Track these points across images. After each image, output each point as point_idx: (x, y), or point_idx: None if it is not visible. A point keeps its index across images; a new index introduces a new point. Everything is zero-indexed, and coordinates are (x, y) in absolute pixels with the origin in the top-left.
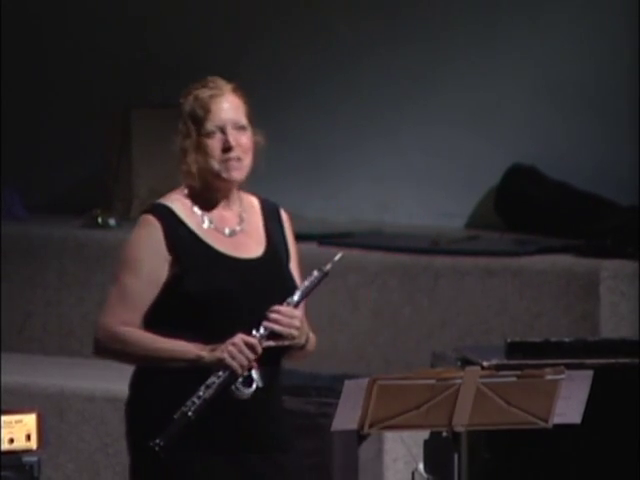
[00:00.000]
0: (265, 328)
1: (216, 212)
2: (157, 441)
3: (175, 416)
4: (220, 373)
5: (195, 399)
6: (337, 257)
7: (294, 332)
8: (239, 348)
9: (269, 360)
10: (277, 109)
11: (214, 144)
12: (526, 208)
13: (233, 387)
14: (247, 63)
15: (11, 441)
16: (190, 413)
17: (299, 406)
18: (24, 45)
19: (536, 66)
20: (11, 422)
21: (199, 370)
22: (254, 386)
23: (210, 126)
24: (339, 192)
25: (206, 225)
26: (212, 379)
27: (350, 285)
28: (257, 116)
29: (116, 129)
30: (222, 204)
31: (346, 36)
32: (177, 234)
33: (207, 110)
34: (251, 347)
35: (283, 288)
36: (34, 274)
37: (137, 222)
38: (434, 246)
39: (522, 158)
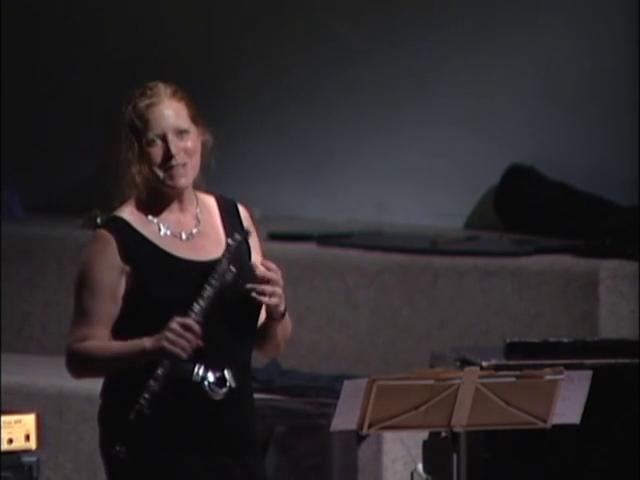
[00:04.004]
0: (200, 305)
1: (172, 217)
2: (118, 448)
3: (130, 416)
4: (165, 362)
5: (146, 395)
6: (257, 214)
7: (278, 291)
8: (176, 332)
9: (240, 359)
10: (277, 109)
11: (156, 152)
12: (525, 208)
13: (207, 387)
14: (247, 63)
15: (10, 441)
16: (145, 410)
17: (299, 406)
18: (24, 45)
19: (536, 66)
20: (10, 422)
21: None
22: (227, 386)
23: (150, 135)
24: (338, 192)
25: (162, 232)
26: (159, 370)
27: (349, 285)
28: (257, 116)
29: (116, 129)
30: (176, 208)
31: (346, 36)
32: (134, 245)
33: (145, 120)
34: (188, 328)
35: (244, 287)
36: (33, 274)
37: (91, 238)
38: (433, 246)
39: (521, 158)
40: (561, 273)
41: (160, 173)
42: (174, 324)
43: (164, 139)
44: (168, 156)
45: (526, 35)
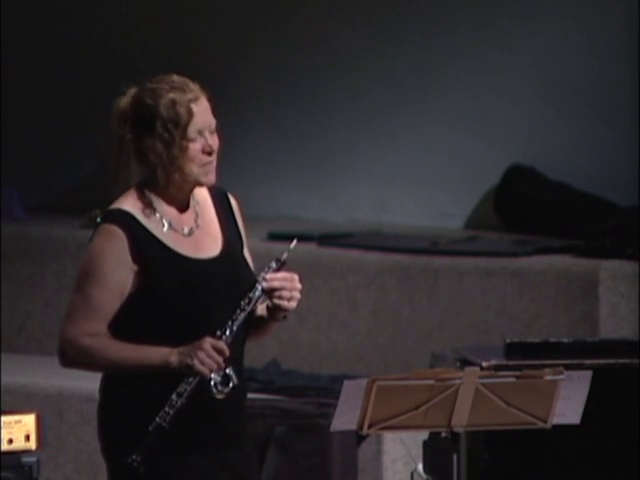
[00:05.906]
0: (232, 329)
1: (173, 211)
2: (134, 457)
3: (150, 428)
4: (190, 380)
5: (168, 409)
6: (292, 245)
7: (297, 295)
8: (208, 353)
9: (239, 356)
10: (277, 109)
11: (196, 148)
12: (525, 208)
13: (212, 387)
14: (247, 63)
15: (10, 441)
16: (164, 424)
17: (299, 406)
18: (24, 45)
19: (536, 66)
20: (10, 422)
21: (169, 374)
22: (231, 384)
23: (192, 131)
24: (338, 193)
25: (166, 228)
26: (183, 387)
27: (349, 285)
28: (257, 116)
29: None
30: (177, 200)
31: (346, 36)
32: (141, 242)
33: (191, 115)
34: (219, 351)
35: (245, 284)
36: (33, 275)
37: (98, 231)
38: (433, 246)
39: (521, 158)
40: (561, 273)
41: (196, 169)
42: (207, 345)
43: (202, 135)
44: (208, 152)
45: (526, 36)
